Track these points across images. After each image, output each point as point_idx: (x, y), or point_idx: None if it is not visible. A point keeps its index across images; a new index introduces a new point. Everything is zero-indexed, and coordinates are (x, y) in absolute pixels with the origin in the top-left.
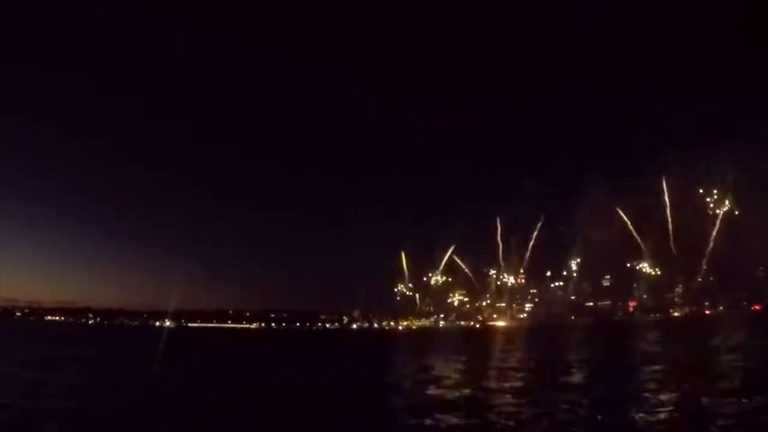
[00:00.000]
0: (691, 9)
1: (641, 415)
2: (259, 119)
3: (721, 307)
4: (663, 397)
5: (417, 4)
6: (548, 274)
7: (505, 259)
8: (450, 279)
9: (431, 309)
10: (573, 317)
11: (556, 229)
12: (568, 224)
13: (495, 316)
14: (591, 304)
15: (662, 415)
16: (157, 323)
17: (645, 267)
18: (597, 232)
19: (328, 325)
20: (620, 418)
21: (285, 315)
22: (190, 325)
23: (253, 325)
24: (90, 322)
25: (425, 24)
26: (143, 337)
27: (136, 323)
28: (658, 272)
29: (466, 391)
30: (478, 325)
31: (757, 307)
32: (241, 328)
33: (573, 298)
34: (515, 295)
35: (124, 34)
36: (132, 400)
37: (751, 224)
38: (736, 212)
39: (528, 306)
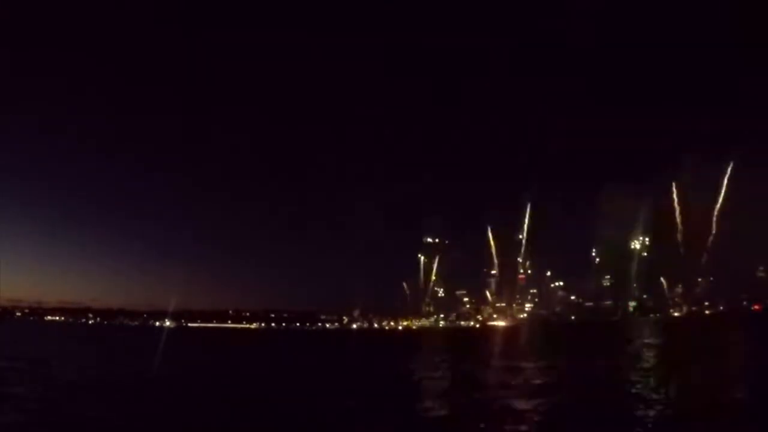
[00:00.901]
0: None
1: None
2: (259, 120)
3: (721, 307)
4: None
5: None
6: (548, 274)
7: (504, 259)
8: (450, 279)
9: (431, 309)
10: (573, 317)
11: (557, 229)
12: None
13: (495, 316)
14: (591, 304)
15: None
16: (157, 323)
17: (645, 267)
18: (600, 232)
19: (328, 325)
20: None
21: (285, 315)
22: (190, 325)
23: (253, 325)
24: (90, 322)
25: (427, 25)
26: (143, 337)
27: (136, 323)
28: (659, 272)
29: None
30: (478, 325)
31: (756, 307)
32: (241, 328)
33: (573, 298)
34: (515, 295)
35: (124, 34)
36: (131, 400)
37: (752, 224)
38: (738, 212)
39: (528, 306)
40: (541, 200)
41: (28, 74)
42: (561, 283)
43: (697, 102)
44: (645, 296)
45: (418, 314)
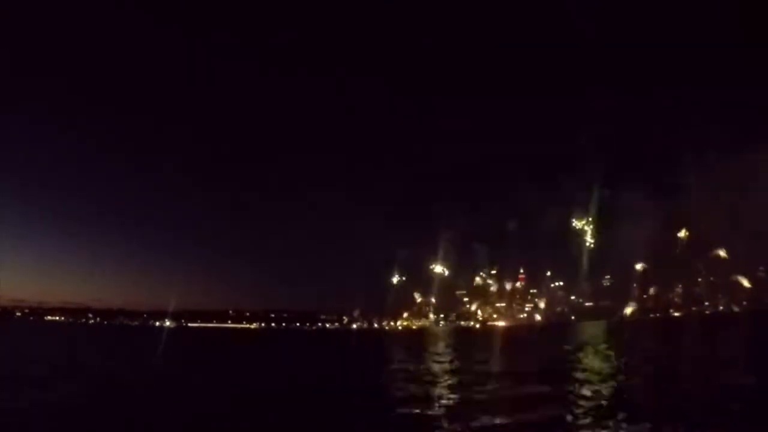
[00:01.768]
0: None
1: None
2: (259, 120)
3: (721, 307)
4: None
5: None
6: (548, 274)
7: (504, 259)
8: (450, 279)
9: (431, 309)
10: (573, 317)
11: (558, 230)
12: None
13: (495, 316)
14: (591, 304)
15: None
16: (157, 323)
17: (644, 266)
18: (602, 233)
19: (328, 325)
20: None
21: (285, 315)
22: (190, 325)
23: (253, 325)
24: (90, 322)
25: (427, 28)
26: (143, 337)
27: (136, 323)
28: (657, 272)
29: None
30: (478, 326)
31: (756, 308)
32: (241, 328)
33: (573, 298)
34: (515, 295)
35: (124, 34)
36: (132, 400)
37: (753, 224)
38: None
39: (528, 306)
40: (541, 200)
41: (28, 74)
42: (561, 283)
43: (697, 102)
44: (645, 296)
45: (419, 314)
